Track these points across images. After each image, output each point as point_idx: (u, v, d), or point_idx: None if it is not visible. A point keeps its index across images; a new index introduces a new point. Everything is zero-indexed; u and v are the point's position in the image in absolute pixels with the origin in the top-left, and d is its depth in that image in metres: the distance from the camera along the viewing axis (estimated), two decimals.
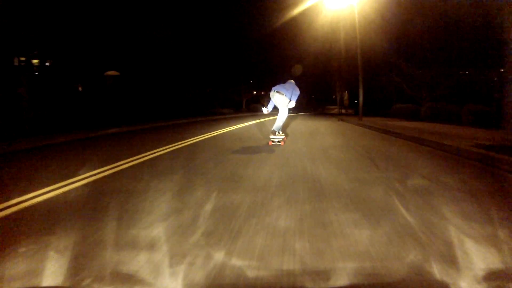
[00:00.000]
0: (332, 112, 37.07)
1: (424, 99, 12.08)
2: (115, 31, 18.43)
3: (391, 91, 16.85)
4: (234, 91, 28.04)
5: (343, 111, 31.20)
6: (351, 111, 31.96)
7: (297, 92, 4.52)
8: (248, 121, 11.70)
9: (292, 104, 4.52)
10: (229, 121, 12.13)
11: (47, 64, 18.32)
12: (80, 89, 19.98)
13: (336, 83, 30.39)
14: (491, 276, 1.09)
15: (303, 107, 35.16)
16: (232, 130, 7.90)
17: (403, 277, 1.10)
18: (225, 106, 25.07)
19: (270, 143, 4.79)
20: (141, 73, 19.07)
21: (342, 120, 13.46)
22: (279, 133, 4.73)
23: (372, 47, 15.05)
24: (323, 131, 7.74)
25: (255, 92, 36.19)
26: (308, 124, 10.32)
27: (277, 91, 4.45)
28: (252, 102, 32.71)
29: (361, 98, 11.12)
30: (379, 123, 9.58)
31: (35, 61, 17.54)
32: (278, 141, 4.73)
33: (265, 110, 4.73)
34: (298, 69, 29.59)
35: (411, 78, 12.15)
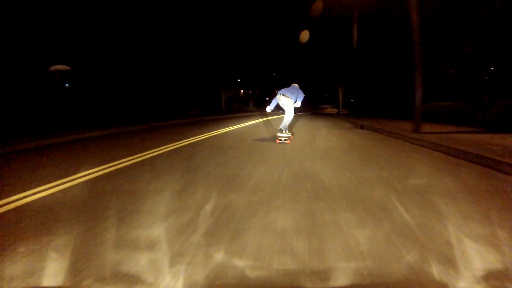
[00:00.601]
0: (327, 111, 36.79)
1: (488, 92, 8.24)
2: (67, 20, 16.45)
3: (416, 84, 12.84)
4: (211, 89, 24.56)
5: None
6: (345, 110, 31.70)
7: (302, 95, 5.16)
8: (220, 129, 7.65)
9: (298, 104, 5.16)
10: (189, 129, 7.82)
11: None
12: (27, 89, 17.66)
13: (338, 80, 29.70)
14: (490, 276, 1.11)
15: (300, 107, 33.79)
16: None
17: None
18: (197, 107, 20.68)
19: (277, 141, 5.13)
20: (98, 66, 16.90)
21: (363, 128, 9.00)
22: (285, 131, 5.14)
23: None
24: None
25: (242, 91, 33.78)
26: (315, 151, 4.38)
27: (283, 94, 5.04)
28: (236, 101, 28.82)
29: (419, 95, 6.64)
30: (475, 142, 4.48)
31: None
32: (285, 139, 5.13)
33: (268, 108, 5.26)
34: (305, 35, 26.43)
35: (468, 64, 8.43)
